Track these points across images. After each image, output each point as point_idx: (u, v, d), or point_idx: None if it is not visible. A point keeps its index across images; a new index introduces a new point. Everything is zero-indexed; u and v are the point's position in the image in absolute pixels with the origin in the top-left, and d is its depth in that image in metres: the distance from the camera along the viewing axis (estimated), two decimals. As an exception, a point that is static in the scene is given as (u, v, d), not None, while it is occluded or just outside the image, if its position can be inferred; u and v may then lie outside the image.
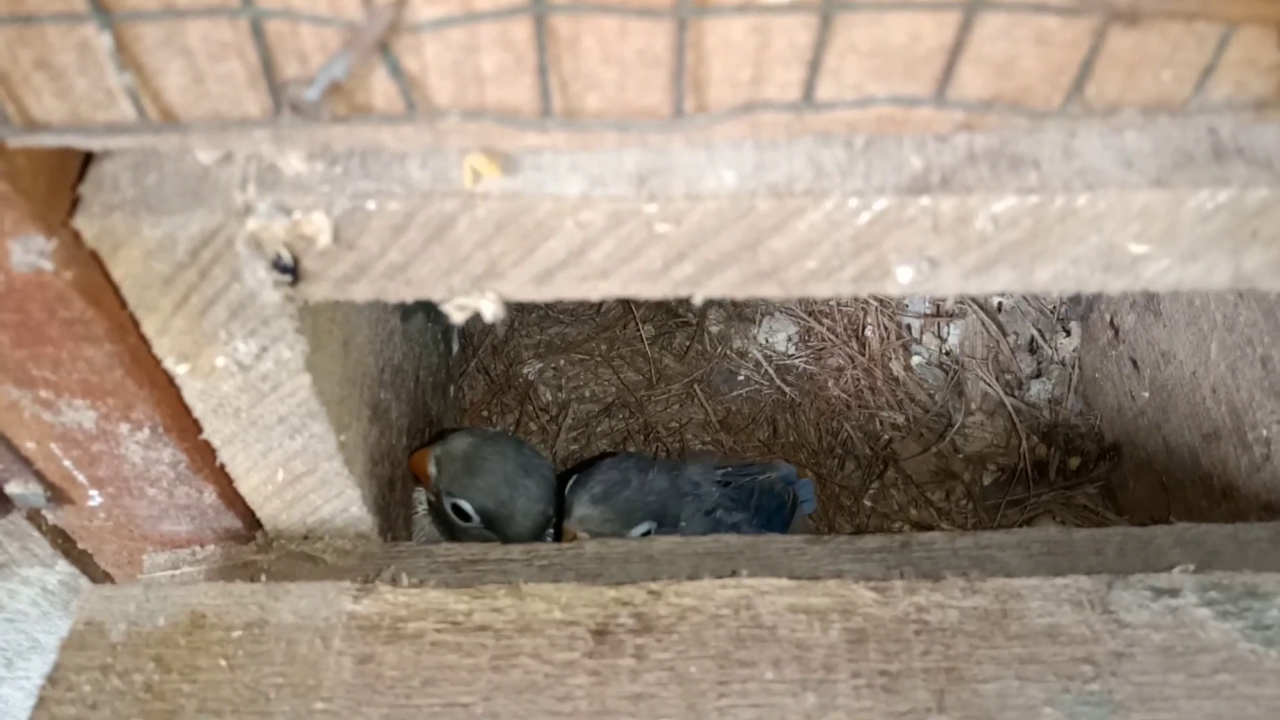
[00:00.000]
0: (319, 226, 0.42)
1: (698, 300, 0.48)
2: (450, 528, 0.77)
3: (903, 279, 0.46)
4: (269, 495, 0.61)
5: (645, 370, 1.07)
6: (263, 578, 0.62)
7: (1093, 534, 0.69)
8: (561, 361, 1.08)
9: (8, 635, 0.79)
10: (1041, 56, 0.36)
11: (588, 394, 1.06)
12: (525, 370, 1.07)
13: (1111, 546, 0.68)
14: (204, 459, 0.57)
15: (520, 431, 1.03)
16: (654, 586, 0.59)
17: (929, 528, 0.96)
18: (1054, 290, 0.48)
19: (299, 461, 0.58)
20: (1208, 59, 0.36)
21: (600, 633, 0.56)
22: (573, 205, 0.42)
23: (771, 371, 1.04)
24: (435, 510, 0.78)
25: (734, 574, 0.61)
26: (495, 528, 0.74)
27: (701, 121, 0.37)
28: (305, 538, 0.65)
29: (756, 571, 0.65)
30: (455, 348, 0.99)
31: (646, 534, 0.77)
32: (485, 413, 1.02)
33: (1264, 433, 0.74)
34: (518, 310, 1.10)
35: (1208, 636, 0.57)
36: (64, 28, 0.33)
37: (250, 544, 0.65)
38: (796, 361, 1.05)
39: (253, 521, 0.64)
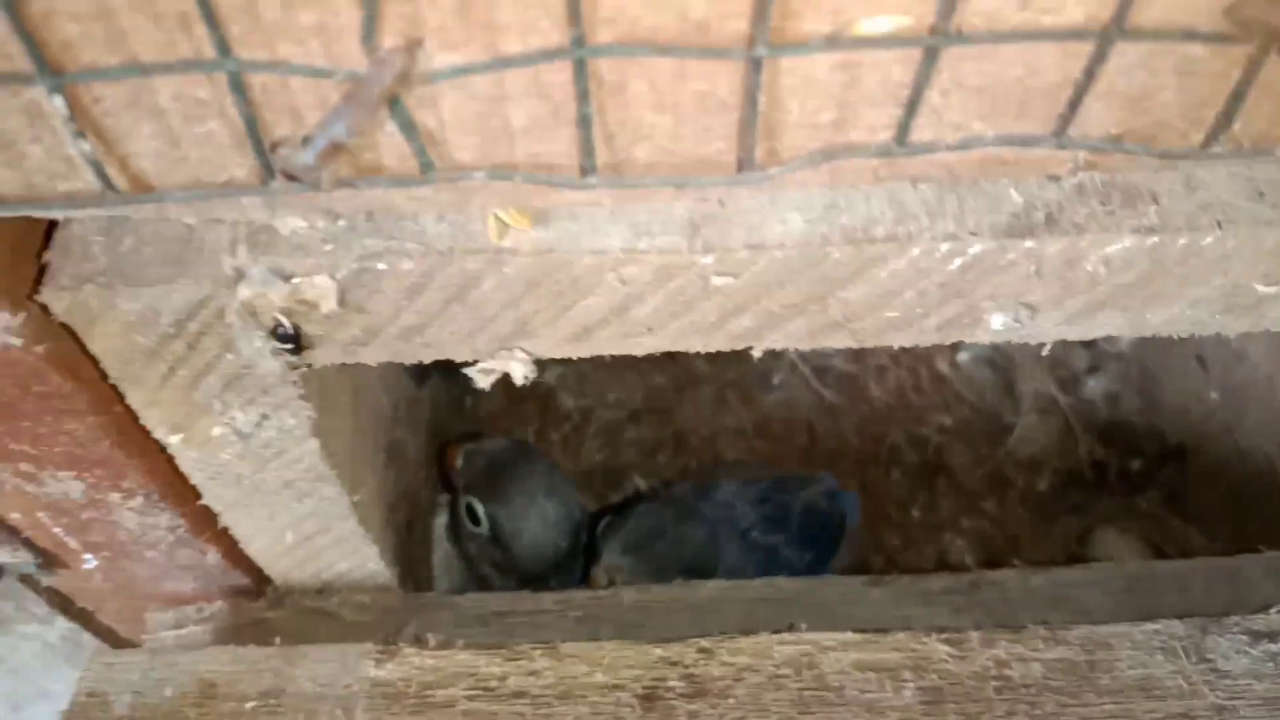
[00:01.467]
0: (322, 291, 0.36)
1: (757, 353, 0.42)
2: (460, 537, 0.72)
3: (996, 326, 0.40)
4: (278, 555, 0.55)
5: (673, 373, 1.01)
6: (276, 639, 0.56)
7: (1175, 567, 0.64)
8: (584, 365, 1.01)
9: (12, 685, 0.75)
10: (1182, 89, 0.30)
11: (611, 399, 1.00)
12: (545, 376, 1.01)
13: (1197, 581, 0.63)
14: (205, 523, 0.52)
15: (541, 443, 0.97)
16: (705, 644, 0.53)
17: (982, 539, 0.90)
18: (1166, 332, 0.42)
19: (309, 524, 0.52)
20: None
21: (649, 698, 0.51)
22: (615, 260, 0.36)
23: (808, 373, 0.98)
24: (452, 514, 0.73)
25: (791, 627, 0.56)
26: (500, 542, 0.69)
27: (774, 172, 0.31)
28: (319, 592, 0.60)
29: (814, 620, 0.60)
30: (473, 357, 0.93)
31: None
32: (504, 423, 0.96)
33: (1355, 446, 0.68)
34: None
35: (1313, 685, 0.52)
36: (7, 90, 0.27)
37: (260, 600, 0.60)
38: (834, 361, 0.99)
39: (262, 577, 0.59)
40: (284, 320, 0.38)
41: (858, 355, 0.99)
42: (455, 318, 0.39)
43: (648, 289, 0.38)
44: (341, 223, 0.36)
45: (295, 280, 0.36)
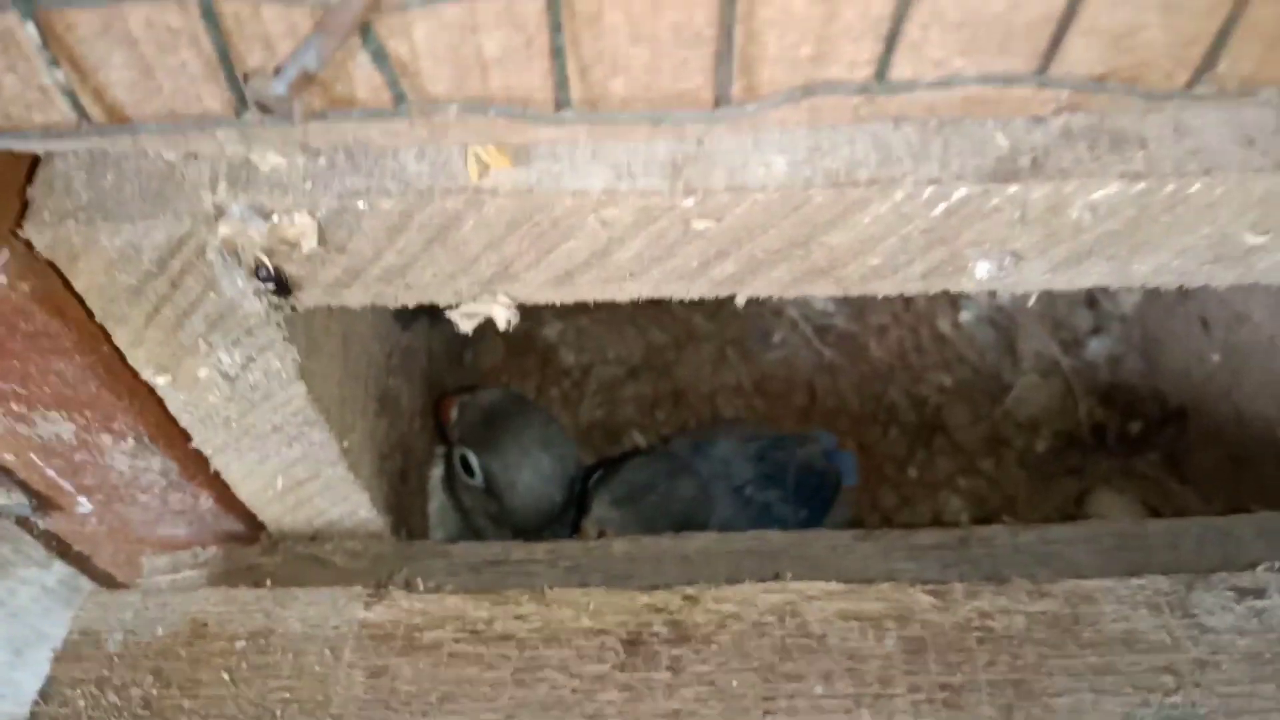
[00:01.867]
0: (302, 230, 0.36)
1: (740, 300, 0.42)
2: (455, 488, 0.72)
3: (980, 274, 0.40)
4: (270, 500, 0.56)
5: (673, 329, 1.01)
6: (268, 583, 0.57)
7: (1168, 525, 0.64)
8: (584, 321, 1.02)
9: (12, 629, 0.76)
10: (1168, 27, 0.29)
11: (611, 356, 1.00)
12: (545, 331, 1.01)
13: (1188, 540, 0.63)
14: (197, 466, 0.52)
15: (541, 398, 0.97)
16: (690, 591, 0.54)
17: (979, 499, 0.90)
18: (1153, 283, 0.41)
19: (299, 468, 0.53)
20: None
21: (632, 643, 0.51)
22: (596, 201, 0.36)
23: (809, 331, 0.98)
24: (447, 465, 0.73)
25: (777, 576, 0.56)
26: (495, 493, 0.69)
27: (751, 109, 0.31)
28: (313, 539, 0.61)
29: (802, 572, 0.60)
30: (473, 312, 0.93)
31: None
32: (504, 378, 0.97)
33: (1354, 408, 0.68)
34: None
35: (1297, 641, 0.52)
36: (-24, 16, 0.27)
37: (254, 546, 0.61)
38: (836, 320, 0.98)
39: (256, 524, 0.60)
40: (265, 260, 0.38)
41: (859, 314, 0.99)
42: (437, 259, 0.39)
43: (629, 232, 0.38)
44: (321, 160, 0.36)
45: (275, 218, 0.36)
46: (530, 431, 0.70)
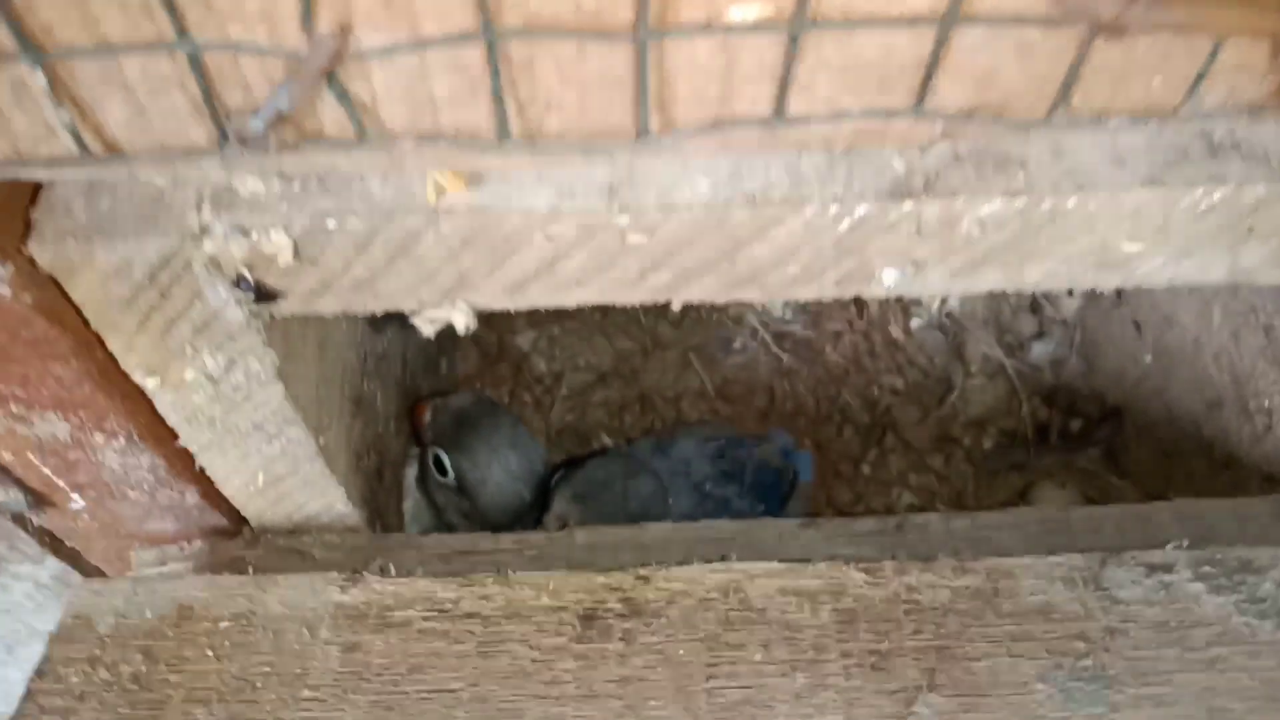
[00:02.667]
0: (279, 246, 0.41)
1: (675, 306, 0.46)
2: (429, 487, 0.77)
3: (888, 281, 0.44)
4: (252, 495, 0.60)
5: (640, 338, 1.05)
6: (250, 571, 0.61)
7: (1090, 512, 0.68)
8: (555, 330, 1.06)
9: (6, 625, 0.79)
10: (1024, 68, 0.34)
11: (582, 363, 1.05)
12: (518, 340, 1.05)
13: (1110, 524, 0.67)
14: (183, 464, 0.56)
15: (514, 403, 1.02)
16: (643, 572, 0.58)
17: (929, 494, 0.95)
18: (1045, 287, 0.46)
19: (279, 465, 0.57)
20: (1199, 66, 0.34)
21: (588, 618, 0.56)
22: (541, 219, 0.41)
23: (768, 338, 1.03)
24: (421, 464, 0.78)
25: (724, 559, 0.61)
26: (466, 491, 0.74)
27: (669, 141, 0.35)
28: (292, 532, 0.65)
29: (748, 556, 0.65)
30: (447, 320, 0.98)
31: None
32: (478, 385, 1.01)
33: (1265, 403, 0.73)
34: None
35: (1201, 611, 0.57)
36: (-7, 65, 0.32)
37: (238, 540, 0.65)
38: (794, 327, 1.03)
39: (239, 518, 0.64)
40: (246, 272, 0.42)
41: (815, 321, 1.03)
42: (400, 271, 0.43)
43: (573, 246, 0.42)
44: (295, 185, 0.41)
45: (254, 235, 0.41)
46: (499, 433, 0.75)
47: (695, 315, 1.06)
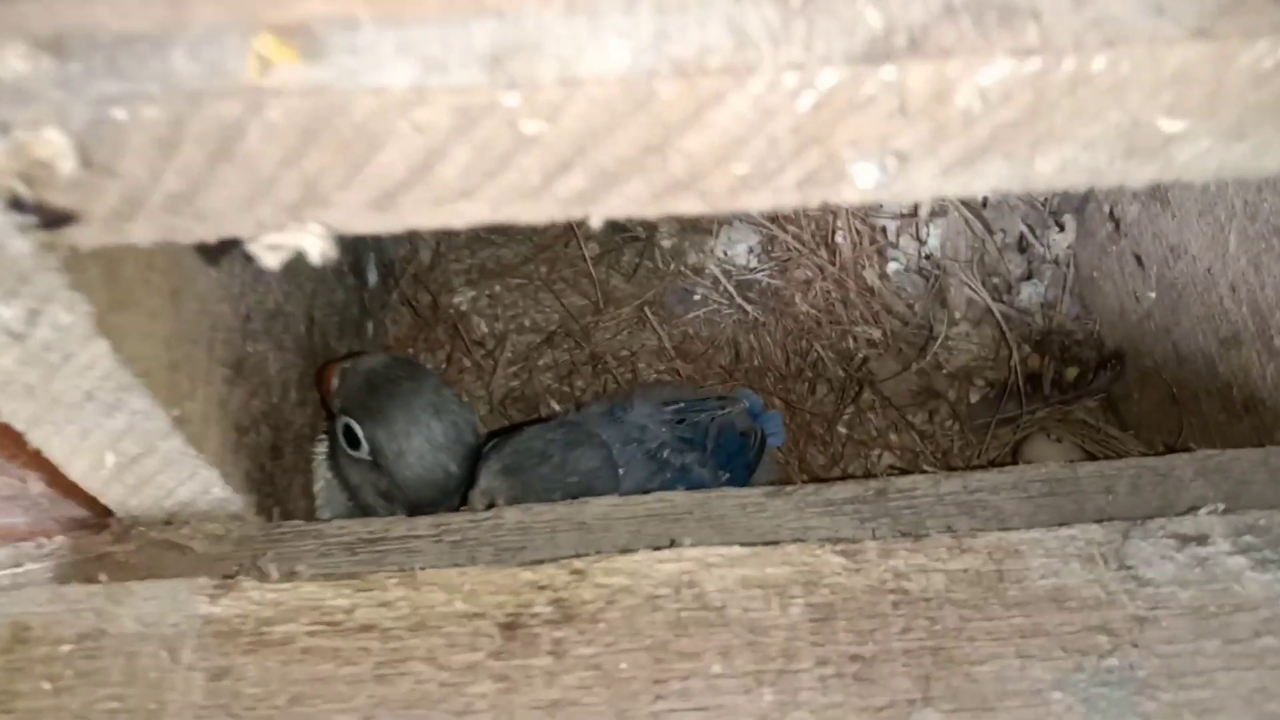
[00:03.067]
0: (56, 148, 0.31)
1: (595, 222, 0.36)
2: (340, 464, 0.66)
3: (863, 182, 0.35)
4: (106, 480, 0.50)
5: (591, 293, 0.95)
6: (103, 576, 0.51)
7: (1100, 469, 0.59)
8: (497, 288, 0.96)
9: None
10: None
11: (528, 323, 0.95)
12: (456, 300, 0.95)
13: (1123, 482, 0.58)
14: (15, 445, 0.46)
15: (453, 369, 0.92)
16: (578, 565, 0.49)
17: (912, 454, 0.86)
18: (1060, 184, 0.37)
19: (129, 443, 0.47)
20: None
21: (511, 626, 0.46)
22: (402, 101, 0.31)
23: (731, 289, 0.93)
24: (331, 439, 0.67)
25: (673, 543, 0.52)
26: (383, 467, 0.64)
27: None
28: (168, 523, 0.55)
29: (707, 535, 0.56)
30: (372, 278, 0.88)
31: None
32: (411, 350, 0.91)
33: (1293, 337, 0.64)
34: (444, 232, 0.98)
35: (1245, 592, 0.48)
36: None
37: (104, 534, 0.55)
38: (759, 276, 0.93)
39: (102, 508, 0.54)
40: (20, 187, 0.32)
41: (783, 268, 0.94)
42: (226, 180, 0.33)
43: (449, 139, 0.32)
44: (74, 64, 0.30)
45: (19, 134, 0.30)
46: (420, 398, 0.65)
47: (651, 267, 0.97)
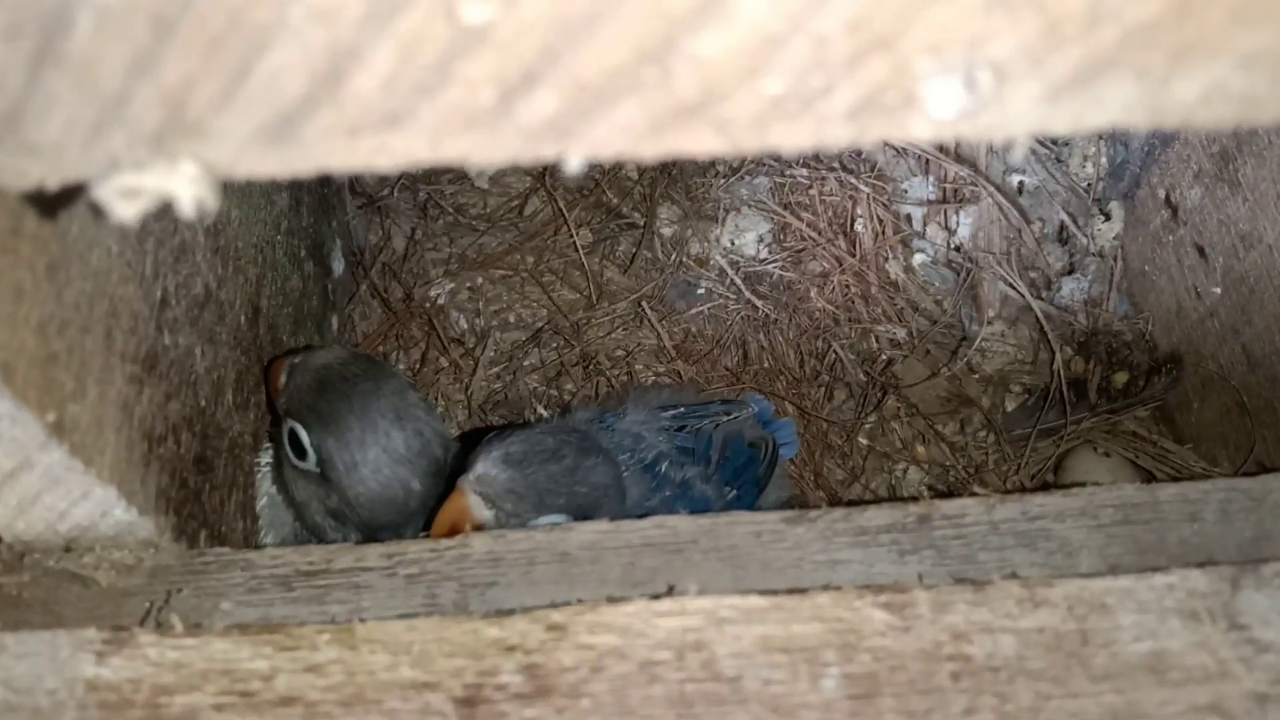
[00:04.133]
0: None
1: (573, 164, 0.27)
2: (285, 477, 0.57)
3: (940, 107, 0.25)
4: (-22, 501, 0.40)
5: (582, 286, 0.86)
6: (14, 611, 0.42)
7: (1184, 491, 0.50)
8: (479, 280, 0.86)
9: None
10: None
11: (512, 319, 0.86)
12: (433, 292, 0.85)
13: (1211, 508, 0.49)
14: None
15: (429, 369, 0.82)
16: (557, 617, 0.40)
17: (941, 468, 0.77)
18: (1201, 119, 0.27)
19: (-2, 455, 0.37)
20: None
21: (470, 701, 0.37)
22: (292, -25, 0.21)
23: (739, 281, 0.83)
24: (275, 447, 0.58)
25: (672, 590, 0.42)
26: (333, 480, 0.54)
27: None
28: (67, 550, 0.45)
29: (715, 570, 0.46)
30: (338, 267, 0.78)
31: None
32: (381, 348, 0.81)
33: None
34: (420, 217, 0.89)
35: (1394, 661, 0.39)
36: None
37: (-8, 562, 0.46)
38: (770, 267, 0.84)
39: (-14, 533, 0.44)
40: None
41: (796, 259, 0.84)
42: (56, 94, 0.23)
43: (363, 33, 0.23)
44: None
45: None
46: (379, 400, 0.55)
47: (649, 258, 0.87)
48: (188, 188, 0.25)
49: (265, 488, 0.58)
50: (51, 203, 0.34)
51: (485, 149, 0.26)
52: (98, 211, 0.26)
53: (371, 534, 0.56)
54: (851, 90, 0.25)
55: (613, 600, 0.40)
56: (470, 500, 0.53)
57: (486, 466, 0.54)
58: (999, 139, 0.26)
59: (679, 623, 0.38)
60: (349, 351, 0.60)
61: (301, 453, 0.54)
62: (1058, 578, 0.40)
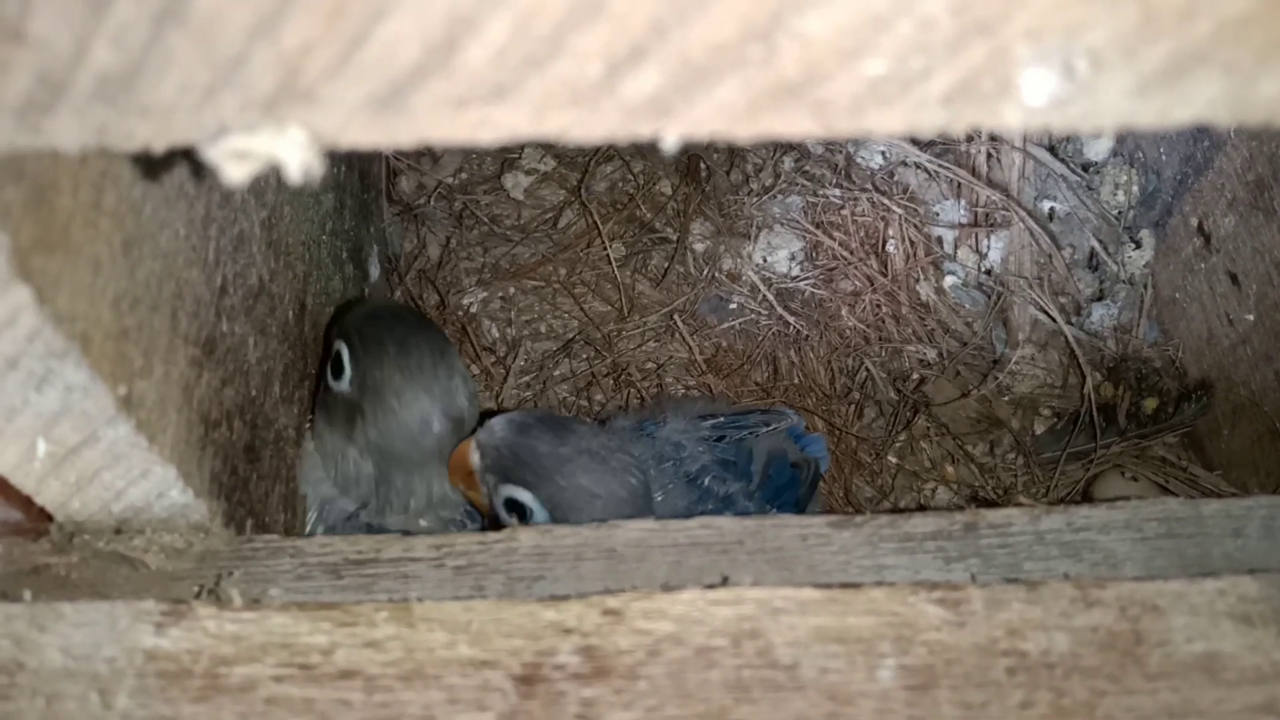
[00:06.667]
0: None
1: (669, 142, 0.27)
2: (325, 404, 0.60)
3: (1034, 94, 0.26)
4: (40, 475, 0.41)
5: (614, 299, 0.86)
6: (27, 594, 0.42)
7: (1227, 507, 0.50)
8: (511, 290, 0.87)
9: None
10: None
11: (544, 329, 0.86)
12: (466, 300, 0.86)
13: (1254, 524, 0.50)
14: (-78, 425, 0.37)
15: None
16: (612, 603, 0.40)
17: (970, 488, 0.77)
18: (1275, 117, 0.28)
19: (65, 427, 0.38)
20: None
21: (528, 680, 0.37)
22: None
23: (771, 298, 0.84)
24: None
25: (726, 581, 0.43)
26: (365, 408, 0.58)
27: None
28: (118, 532, 0.46)
29: (763, 571, 0.47)
30: (374, 272, 0.79)
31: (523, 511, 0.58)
32: (415, 354, 0.82)
33: None
34: (455, 226, 0.89)
35: None
36: None
37: (41, 541, 0.46)
38: (802, 285, 0.85)
39: (40, 511, 0.45)
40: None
41: (828, 277, 0.85)
42: (176, 54, 0.24)
43: (483, 3, 0.23)
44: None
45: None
46: (419, 336, 0.58)
47: (682, 272, 0.88)
48: (296, 153, 0.26)
49: (310, 480, 0.59)
50: (154, 165, 0.34)
51: (584, 125, 0.27)
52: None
53: (386, 469, 0.57)
54: (950, 74, 0.25)
55: (666, 589, 0.40)
56: (472, 444, 0.57)
57: (496, 420, 0.57)
58: (1087, 129, 0.27)
59: (734, 611, 0.38)
60: (405, 306, 0.62)
61: (339, 372, 0.57)
62: (1110, 580, 0.40)
